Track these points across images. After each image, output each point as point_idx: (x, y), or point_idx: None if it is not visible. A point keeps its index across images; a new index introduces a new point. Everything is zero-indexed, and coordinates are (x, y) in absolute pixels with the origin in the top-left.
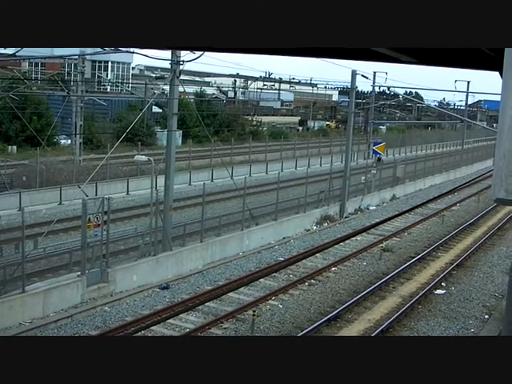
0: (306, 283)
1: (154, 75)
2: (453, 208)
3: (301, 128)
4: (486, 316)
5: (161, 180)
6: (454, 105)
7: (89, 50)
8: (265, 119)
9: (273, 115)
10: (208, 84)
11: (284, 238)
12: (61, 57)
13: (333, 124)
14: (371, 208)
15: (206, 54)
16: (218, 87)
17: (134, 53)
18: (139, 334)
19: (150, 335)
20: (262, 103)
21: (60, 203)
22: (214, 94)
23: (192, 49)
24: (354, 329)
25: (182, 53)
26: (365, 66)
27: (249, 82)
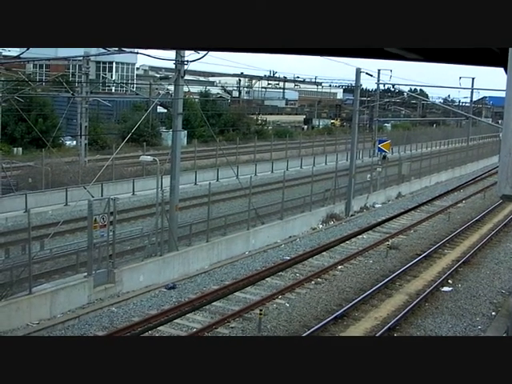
0: (313, 282)
1: (159, 75)
2: (459, 205)
3: (306, 126)
4: (493, 313)
5: (166, 180)
6: (459, 101)
7: (93, 51)
8: (270, 118)
9: (278, 114)
10: (212, 84)
11: (290, 236)
12: (65, 58)
13: (338, 122)
14: (377, 206)
15: (211, 53)
16: (223, 87)
17: (138, 53)
18: (146, 334)
19: (156, 335)
20: (266, 102)
21: (66, 204)
22: (218, 93)
23: (197, 49)
24: (360, 327)
25: (187, 53)
26: (369, 64)
27: (253, 81)
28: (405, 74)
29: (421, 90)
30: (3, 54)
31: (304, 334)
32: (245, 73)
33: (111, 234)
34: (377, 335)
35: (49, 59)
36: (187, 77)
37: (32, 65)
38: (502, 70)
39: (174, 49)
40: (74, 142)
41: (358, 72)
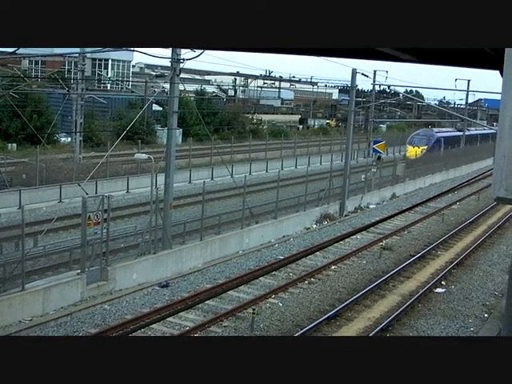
0: (306, 282)
1: (155, 73)
2: (453, 207)
3: (301, 126)
4: (486, 315)
5: (161, 178)
6: (455, 103)
7: (89, 48)
8: (265, 117)
9: (273, 113)
10: (208, 82)
11: (284, 236)
12: (61, 55)
13: (333, 122)
14: (371, 206)
15: (207, 52)
16: (218, 85)
17: (134, 51)
18: (138, 332)
19: (148, 335)
20: (262, 101)
21: (60, 201)
22: (214, 92)
23: (194, 47)
24: (353, 327)
25: (183, 51)
26: (365, 65)
27: (249, 80)
28: (400, 75)
29: (416, 91)
30: None
31: (297, 334)
32: (241, 72)
33: (105, 231)
34: (370, 335)
35: (45, 55)
36: (183, 75)
37: (28, 61)
38: (497, 72)
39: (170, 47)
40: (69, 139)
41: (354, 73)
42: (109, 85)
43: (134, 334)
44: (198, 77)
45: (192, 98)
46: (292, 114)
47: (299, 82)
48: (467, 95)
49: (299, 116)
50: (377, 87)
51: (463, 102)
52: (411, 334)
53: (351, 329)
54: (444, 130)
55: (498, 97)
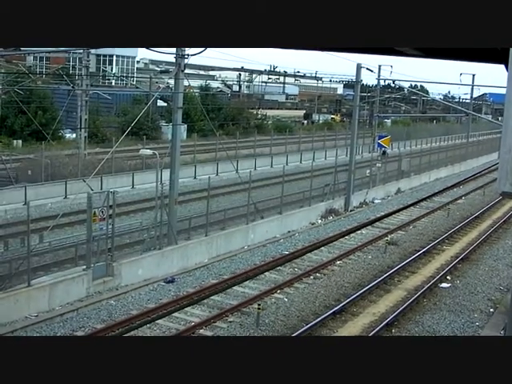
0: (311, 277)
1: (159, 69)
2: (458, 201)
3: (306, 121)
4: (491, 309)
5: (166, 174)
6: (459, 98)
7: None
8: (270, 113)
9: (278, 109)
10: (213, 78)
11: (289, 231)
12: (65, 51)
13: (338, 117)
14: (376, 201)
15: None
16: (223, 81)
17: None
18: (144, 327)
19: (149, 335)
20: (266, 97)
21: (65, 197)
22: (218, 87)
23: (198, 46)
24: (358, 322)
25: None
26: (370, 60)
27: (253, 75)
28: (405, 69)
29: (421, 86)
30: None
31: (302, 329)
32: (245, 67)
33: (110, 227)
34: (374, 332)
35: (49, 51)
36: (187, 71)
37: (32, 57)
38: (502, 66)
39: (174, 47)
40: (74, 135)
41: (359, 67)
42: (113, 81)
43: (139, 330)
44: (202, 72)
45: (197, 94)
46: (297, 109)
47: (304, 76)
48: (472, 89)
49: (304, 111)
50: (381, 82)
51: (468, 97)
52: (417, 329)
53: (356, 324)
54: None
55: (503, 91)
